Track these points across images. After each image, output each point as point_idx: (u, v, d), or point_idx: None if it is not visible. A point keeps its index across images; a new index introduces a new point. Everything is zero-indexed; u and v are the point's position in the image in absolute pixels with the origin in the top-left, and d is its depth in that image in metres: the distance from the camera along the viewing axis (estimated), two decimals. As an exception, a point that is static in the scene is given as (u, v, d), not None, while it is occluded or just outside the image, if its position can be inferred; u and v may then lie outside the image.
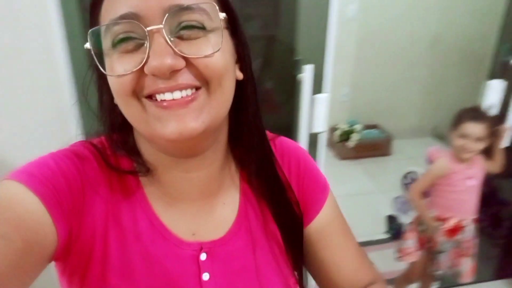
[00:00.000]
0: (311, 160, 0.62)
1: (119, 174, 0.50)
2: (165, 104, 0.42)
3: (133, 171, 0.51)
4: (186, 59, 0.42)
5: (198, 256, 0.51)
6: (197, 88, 0.43)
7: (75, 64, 1.19)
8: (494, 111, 1.66)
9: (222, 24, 0.44)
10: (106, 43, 0.43)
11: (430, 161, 1.64)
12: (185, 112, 0.42)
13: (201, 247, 0.51)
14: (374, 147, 3.47)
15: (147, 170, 0.50)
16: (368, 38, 3.46)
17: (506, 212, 2.00)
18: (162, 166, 0.51)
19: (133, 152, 0.51)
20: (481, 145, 1.53)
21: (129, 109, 0.44)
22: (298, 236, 0.58)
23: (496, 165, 1.64)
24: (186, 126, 0.42)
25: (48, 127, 1.14)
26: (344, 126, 3.50)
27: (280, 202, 0.57)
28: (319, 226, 0.59)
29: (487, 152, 1.61)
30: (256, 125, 0.54)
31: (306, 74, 1.31)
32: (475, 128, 1.50)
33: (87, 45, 0.44)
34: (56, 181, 0.44)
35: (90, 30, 0.43)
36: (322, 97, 1.37)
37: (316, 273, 0.61)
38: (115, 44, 0.42)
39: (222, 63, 0.44)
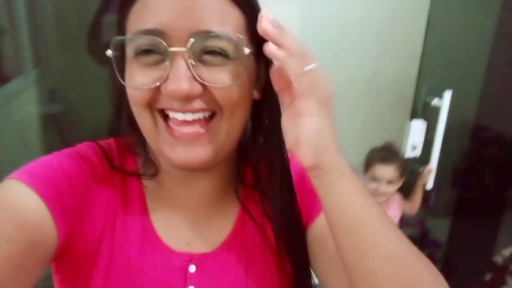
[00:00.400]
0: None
1: (123, 176, 0.50)
2: (176, 134, 0.43)
3: (137, 173, 0.51)
4: (203, 84, 0.42)
5: (186, 268, 0.49)
6: (210, 112, 0.44)
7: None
8: (417, 152, 1.63)
9: (246, 58, 0.43)
10: (129, 52, 0.43)
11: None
12: (195, 144, 0.43)
13: (191, 258, 0.50)
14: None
15: (154, 172, 0.51)
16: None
17: (438, 254, 1.96)
18: (166, 171, 0.51)
19: (143, 153, 0.51)
20: (393, 188, 1.47)
21: (142, 120, 0.45)
22: (302, 244, 0.54)
23: (414, 206, 1.59)
24: (194, 157, 0.43)
25: None
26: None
27: (289, 211, 0.53)
28: (321, 225, 0.54)
29: (405, 193, 1.56)
30: (273, 144, 0.50)
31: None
32: (385, 171, 1.45)
33: (109, 53, 0.43)
34: (58, 181, 0.43)
35: (114, 38, 0.44)
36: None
37: (328, 280, 0.53)
38: (137, 55, 0.42)
39: (238, 94, 0.43)
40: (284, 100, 0.43)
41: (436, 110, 1.57)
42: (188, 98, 0.41)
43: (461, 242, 1.92)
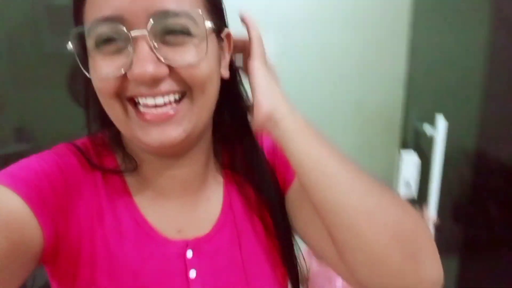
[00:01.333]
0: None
1: (103, 173, 0.50)
2: (147, 117, 0.43)
3: (117, 170, 0.51)
4: (169, 66, 0.42)
5: (184, 254, 0.50)
6: (179, 93, 0.44)
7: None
8: (411, 190, 1.37)
9: (208, 31, 0.44)
10: (89, 43, 0.43)
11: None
12: (167, 124, 0.43)
13: (186, 244, 0.51)
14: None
15: (133, 167, 0.51)
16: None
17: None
18: (146, 163, 0.51)
19: (119, 149, 0.52)
20: None
21: (111, 110, 0.45)
22: (283, 207, 0.57)
23: None
24: (167, 136, 0.43)
25: None
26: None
27: (265, 180, 0.56)
28: (296, 188, 0.56)
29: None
30: (243, 118, 0.56)
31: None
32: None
33: (69, 46, 0.43)
34: (39, 182, 0.43)
35: (72, 30, 0.43)
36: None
37: (312, 239, 0.54)
38: (99, 45, 0.42)
39: (206, 72, 0.44)
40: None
41: (429, 139, 1.33)
42: (155, 81, 0.42)
43: (470, 284, 1.65)
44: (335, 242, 0.45)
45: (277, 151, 0.58)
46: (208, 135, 0.54)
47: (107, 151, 0.52)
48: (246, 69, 0.52)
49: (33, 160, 0.46)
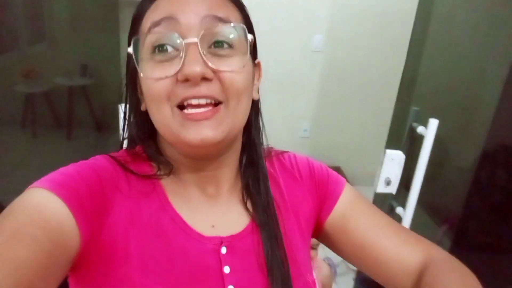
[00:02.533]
0: (320, 163, 0.68)
1: (138, 178, 0.53)
2: (190, 116, 0.47)
3: (152, 174, 0.54)
4: (214, 72, 0.47)
5: (219, 250, 0.53)
6: (218, 103, 0.48)
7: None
8: (391, 188, 1.35)
9: (249, 47, 0.50)
10: (146, 48, 0.48)
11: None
12: (207, 123, 0.47)
13: (221, 241, 0.53)
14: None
15: (170, 170, 0.55)
16: (334, 73, 3.16)
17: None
18: (182, 166, 0.55)
19: (156, 156, 0.56)
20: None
21: (160, 114, 0.49)
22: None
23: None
24: (206, 134, 0.47)
25: None
26: (299, 165, 3.18)
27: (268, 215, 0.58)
28: (340, 212, 0.62)
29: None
30: (255, 142, 0.60)
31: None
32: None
33: (130, 50, 0.50)
34: (77, 185, 0.45)
35: (133, 37, 0.49)
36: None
37: (362, 262, 0.61)
38: (154, 49, 0.47)
39: (244, 82, 0.50)
40: None
41: (420, 139, 1.28)
42: (202, 81, 0.46)
43: None
44: None
45: (315, 170, 0.65)
46: (238, 146, 0.59)
47: (143, 160, 0.56)
48: None
49: (71, 167, 0.49)
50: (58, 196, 0.43)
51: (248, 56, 0.50)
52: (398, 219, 1.37)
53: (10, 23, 2.34)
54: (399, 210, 1.38)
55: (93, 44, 2.51)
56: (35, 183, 0.45)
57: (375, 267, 0.59)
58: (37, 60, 2.52)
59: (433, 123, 1.24)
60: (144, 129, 0.57)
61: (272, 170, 0.63)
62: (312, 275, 0.60)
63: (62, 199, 0.43)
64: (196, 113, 0.47)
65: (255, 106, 0.59)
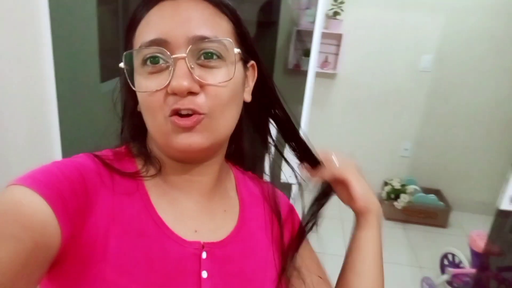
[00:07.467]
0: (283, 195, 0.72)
1: (122, 177, 0.54)
2: (180, 123, 0.49)
3: (136, 173, 0.55)
4: (201, 85, 0.49)
5: (199, 254, 0.54)
6: (202, 114, 0.50)
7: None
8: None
9: (236, 58, 0.53)
10: (137, 62, 0.51)
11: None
12: (194, 131, 0.50)
13: (202, 246, 0.55)
14: (426, 215, 3.06)
15: (156, 170, 0.56)
16: (441, 94, 3.11)
17: None
18: (167, 167, 0.57)
19: (142, 155, 0.58)
20: None
21: (154, 121, 0.52)
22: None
23: None
24: (194, 141, 0.50)
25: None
26: (396, 184, 3.19)
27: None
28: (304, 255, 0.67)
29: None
30: (244, 152, 0.68)
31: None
32: None
33: (121, 65, 0.53)
34: (59, 184, 0.45)
35: (125, 52, 0.52)
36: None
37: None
38: (145, 62, 0.50)
39: (228, 94, 0.52)
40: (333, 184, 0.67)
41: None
42: (189, 95, 0.49)
43: None
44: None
45: (294, 213, 0.71)
46: (223, 152, 0.61)
47: (128, 158, 0.57)
48: (343, 199, 0.67)
49: (53, 165, 0.48)
50: (39, 195, 0.42)
51: (237, 65, 0.53)
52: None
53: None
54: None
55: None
56: (16, 180, 0.44)
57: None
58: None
59: None
60: (137, 128, 0.59)
61: (241, 176, 0.69)
62: (273, 270, 0.62)
63: (44, 198, 0.42)
64: (185, 122, 0.49)
65: (251, 109, 0.62)
